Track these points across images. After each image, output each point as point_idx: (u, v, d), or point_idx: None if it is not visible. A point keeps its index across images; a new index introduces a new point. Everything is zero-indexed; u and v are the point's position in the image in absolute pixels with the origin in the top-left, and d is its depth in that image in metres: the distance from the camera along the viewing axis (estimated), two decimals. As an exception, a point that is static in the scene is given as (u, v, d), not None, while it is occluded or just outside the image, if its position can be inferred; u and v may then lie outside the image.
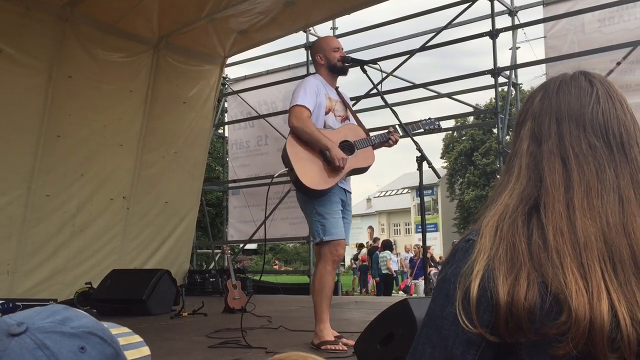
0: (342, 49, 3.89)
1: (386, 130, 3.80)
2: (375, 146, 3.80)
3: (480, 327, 0.84)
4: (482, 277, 0.85)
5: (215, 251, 9.82)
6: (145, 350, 0.76)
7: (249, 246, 9.96)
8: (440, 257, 14.20)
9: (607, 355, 0.80)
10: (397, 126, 3.81)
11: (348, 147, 3.65)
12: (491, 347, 0.85)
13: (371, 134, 3.89)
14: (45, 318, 0.65)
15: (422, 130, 3.95)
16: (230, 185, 9.40)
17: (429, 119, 4.03)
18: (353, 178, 3.86)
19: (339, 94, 3.90)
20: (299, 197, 3.70)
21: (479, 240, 0.89)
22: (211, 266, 9.70)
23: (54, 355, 0.61)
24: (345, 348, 3.41)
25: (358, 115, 4.05)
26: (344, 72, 3.88)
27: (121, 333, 0.74)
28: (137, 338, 0.76)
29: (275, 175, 4.01)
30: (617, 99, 0.95)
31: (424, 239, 3.61)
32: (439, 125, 4.03)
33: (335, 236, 3.55)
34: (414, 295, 12.94)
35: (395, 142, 3.80)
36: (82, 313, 0.68)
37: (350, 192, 3.84)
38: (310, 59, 8.53)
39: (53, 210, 6.57)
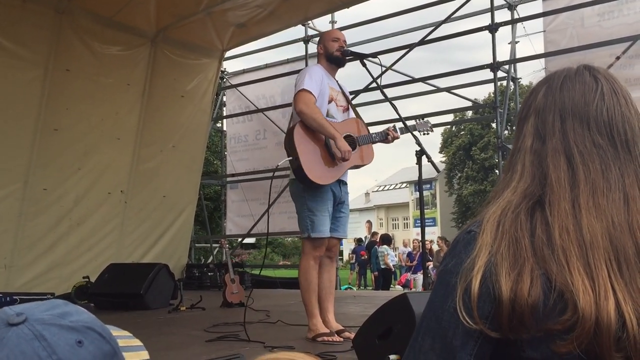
0: (344, 40, 3.87)
1: (385, 129, 3.81)
2: (374, 142, 3.82)
3: (481, 324, 0.84)
4: (483, 273, 0.84)
5: (214, 245, 9.82)
6: (144, 355, 0.75)
7: (247, 240, 9.94)
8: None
9: (612, 354, 0.79)
10: (395, 125, 3.84)
11: (350, 142, 3.66)
12: (491, 340, 0.85)
13: (370, 130, 3.89)
14: (45, 311, 0.65)
15: (416, 132, 3.79)
16: (228, 179, 9.39)
17: (424, 120, 3.99)
18: (351, 173, 3.87)
19: (339, 85, 3.92)
20: (293, 188, 3.69)
21: (480, 236, 0.88)
22: (209, 260, 9.70)
23: (51, 346, 0.61)
24: (342, 340, 3.45)
25: (357, 109, 4.05)
26: (339, 62, 3.87)
27: (121, 335, 0.73)
28: (136, 342, 0.76)
29: (280, 164, 3.76)
30: (622, 95, 0.94)
31: (422, 234, 3.61)
32: (431, 129, 3.96)
33: (321, 234, 3.61)
34: (413, 289, 12.95)
35: (393, 140, 3.81)
36: (82, 309, 0.68)
37: (346, 184, 3.84)
38: (309, 52, 8.52)
39: (50, 204, 6.54)
